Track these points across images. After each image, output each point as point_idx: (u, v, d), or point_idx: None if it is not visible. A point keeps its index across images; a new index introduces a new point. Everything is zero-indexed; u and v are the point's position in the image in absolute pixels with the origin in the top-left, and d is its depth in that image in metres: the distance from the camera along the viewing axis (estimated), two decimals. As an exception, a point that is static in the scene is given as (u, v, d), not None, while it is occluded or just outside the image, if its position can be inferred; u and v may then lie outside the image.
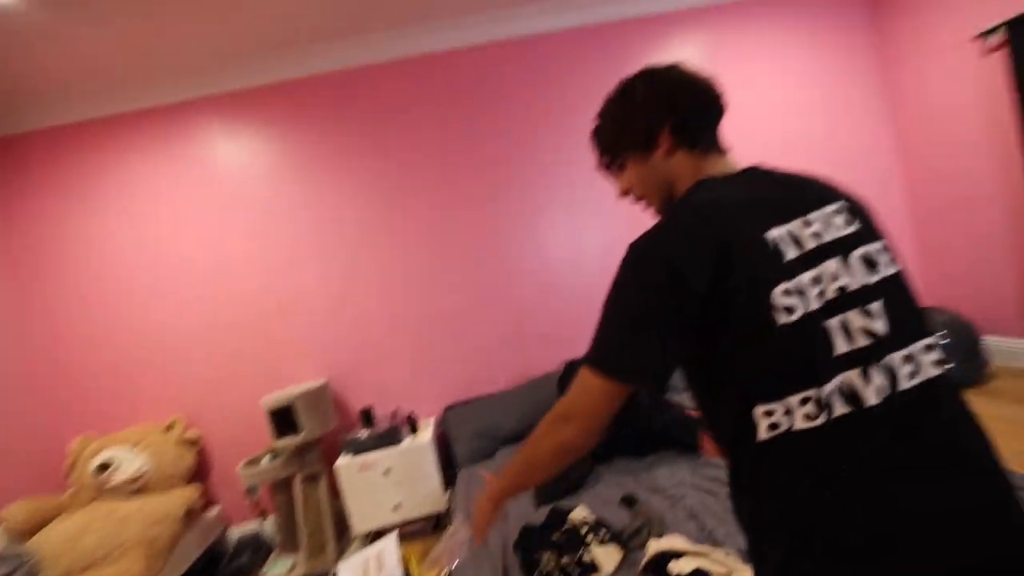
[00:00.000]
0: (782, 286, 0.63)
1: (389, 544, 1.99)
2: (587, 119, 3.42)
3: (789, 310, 0.63)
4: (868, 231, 0.70)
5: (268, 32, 2.52)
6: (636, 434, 2.19)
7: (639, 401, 2.30)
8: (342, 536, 2.61)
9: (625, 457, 2.20)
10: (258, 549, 2.71)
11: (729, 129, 0.86)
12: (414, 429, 2.68)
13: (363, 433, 2.58)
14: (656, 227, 0.72)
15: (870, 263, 0.67)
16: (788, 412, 0.63)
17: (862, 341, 0.63)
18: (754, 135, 3.06)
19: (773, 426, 0.64)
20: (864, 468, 0.60)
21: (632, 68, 0.85)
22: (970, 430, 0.64)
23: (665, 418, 2.20)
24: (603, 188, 2.97)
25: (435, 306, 2.94)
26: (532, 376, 2.94)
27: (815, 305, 0.64)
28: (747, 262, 0.64)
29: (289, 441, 2.44)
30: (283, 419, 2.48)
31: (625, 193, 0.90)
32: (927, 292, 3.21)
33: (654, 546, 1.38)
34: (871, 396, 0.61)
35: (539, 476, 0.84)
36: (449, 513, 2.48)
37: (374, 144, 2.89)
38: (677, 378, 2.77)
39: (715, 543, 1.43)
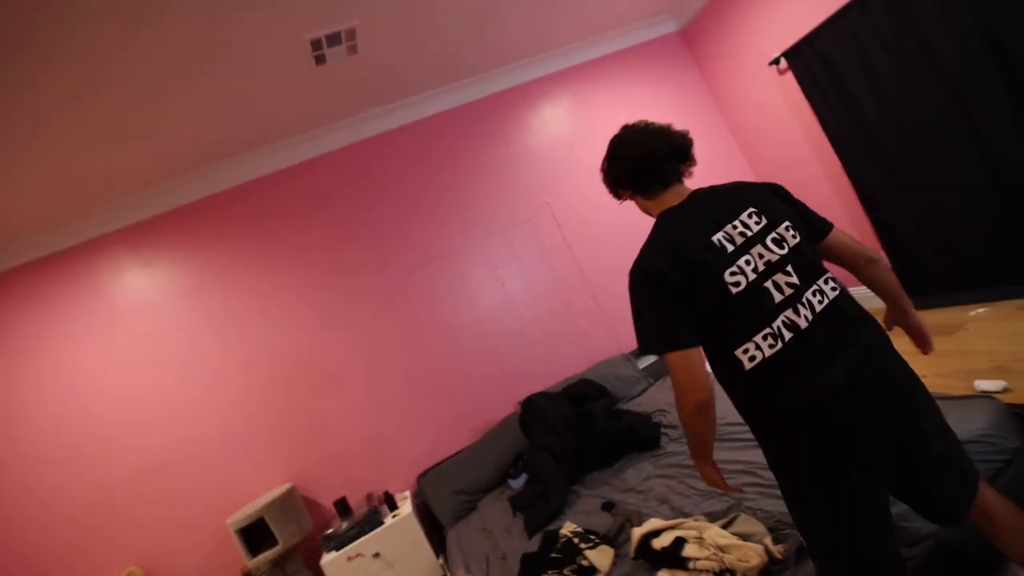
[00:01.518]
0: (728, 270, 1.00)
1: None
2: (485, 182, 3.82)
3: (736, 284, 1.00)
4: (774, 220, 1.07)
5: (158, 160, 2.62)
6: (600, 447, 2.40)
7: (596, 417, 2.53)
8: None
9: (595, 471, 2.39)
10: None
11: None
12: (393, 506, 2.68)
13: (342, 525, 2.55)
14: (641, 253, 1.09)
15: (779, 242, 1.05)
16: (758, 347, 0.99)
17: (788, 291, 1.01)
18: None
19: (752, 359, 1.00)
20: (812, 358, 0.98)
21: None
22: (866, 318, 1.06)
23: (620, 425, 2.44)
24: (515, 239, 3.31)
25: (386, 386, 3.02)
26: (492, 423, 3.08)
27: (751, 276, 1.01)
28: (703, 262, 1.01)
29: (267, 555, 2.36)
30: (255, 535, 2.40)
31: None
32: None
33: (636, 533, 1.57)
34: (802, 322, 0.99)
35: (706, 438, 1.12)
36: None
37: (298, 245, 3.03)
38: (628, 388, 3.03)
39: (684, 515, 1.65)
